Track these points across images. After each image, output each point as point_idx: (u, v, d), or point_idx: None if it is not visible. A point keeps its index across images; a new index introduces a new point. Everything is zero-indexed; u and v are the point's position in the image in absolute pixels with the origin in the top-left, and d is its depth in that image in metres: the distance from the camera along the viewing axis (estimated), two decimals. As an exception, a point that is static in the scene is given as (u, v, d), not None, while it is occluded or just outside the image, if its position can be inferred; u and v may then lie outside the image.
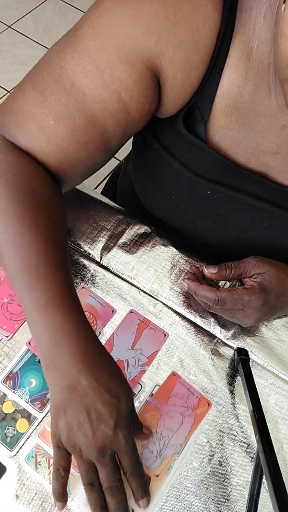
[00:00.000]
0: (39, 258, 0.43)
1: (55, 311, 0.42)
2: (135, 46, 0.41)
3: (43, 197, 0.46)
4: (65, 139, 0.45)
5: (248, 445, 0.51)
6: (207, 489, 0.48)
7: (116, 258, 0.62)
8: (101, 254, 0.62)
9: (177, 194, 0.55)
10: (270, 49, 0.42)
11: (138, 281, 0.60)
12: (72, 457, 0.43)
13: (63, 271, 0.44)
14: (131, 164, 0.65)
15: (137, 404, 0.52)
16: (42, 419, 0.51)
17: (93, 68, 0.42)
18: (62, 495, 0.42)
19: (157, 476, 0.48)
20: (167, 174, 0.54)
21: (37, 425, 0.50)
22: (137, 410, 0.51)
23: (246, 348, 0.56)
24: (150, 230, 0.64)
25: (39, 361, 0.53)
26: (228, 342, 0.57)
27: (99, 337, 0.55)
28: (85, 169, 0.50)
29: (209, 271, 0.53)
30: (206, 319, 0.58)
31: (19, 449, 0.49)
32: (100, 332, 0.56)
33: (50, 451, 0.49)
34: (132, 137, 0.61)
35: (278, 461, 0.44)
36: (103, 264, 0.61)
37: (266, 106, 0.45)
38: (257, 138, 0.48)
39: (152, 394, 0.52)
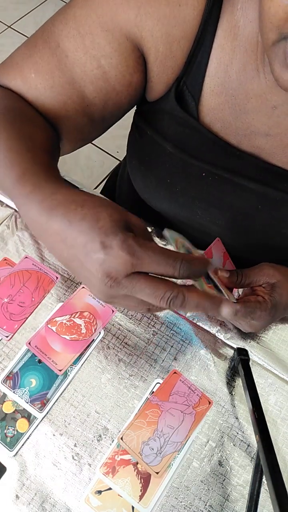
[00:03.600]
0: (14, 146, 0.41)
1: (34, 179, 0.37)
2: (115, 17, 0.44)
3: (26, 112, 0.47)
4: (43, 93, 0.48)
5: (248, 445, 0.51)
6: (207, 489, 0.48)
7: (116, 258, 0.61)
8: (101, 254, 0.61)
9: (172, 177, 0.55)
10: (257, 28, 0.42)
11: (138, 281, 0.60)
12: None
13: (39, 156, 0.41)
14: (127, 155, 0.65)
15: (138, 403, 0.52)
16: (42, 419, 0.51)
17: (76, 33, 0.46)
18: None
19: (157, 473, 0.48)
20: (161, 158, 0.55)
21: (37, 425, 0.50)
22: (138, 408, 0.51)
23: (246, 348, 0.56)
24: (150, 231, 0.64)
25: (39, 361, 0.53)
26: (228, 342, 0.57)
27: (99, 337, 0.55)
28: (66, 130, 0.51)
29: (221, 274, 0.50)
30: (206, 319, 0.58)
31: (19, 449, 0.49)
32: (100, 332, 0.56)
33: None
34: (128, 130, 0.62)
35: (278, 461, 0.44)
36: (103, 264, 0.61)
37: (255, 86, 0.46)
38: (248, 120, 0.48)
39: (153, 392, 0.52)
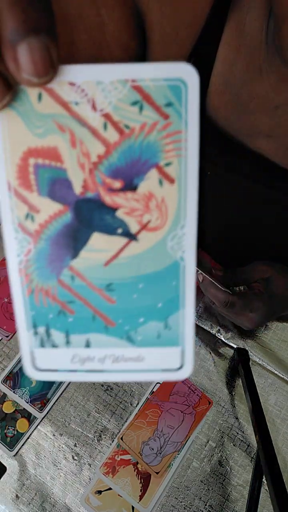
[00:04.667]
0: None
1: None
2: None
3: None
4: None
5: (248, 445, 0.51)
6: (207, 489, 0.48)
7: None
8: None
9: None
10: (261, 26, 0.41)
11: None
12: None
13: None
14: None
15: (138, 403, 0.52)
16: (42, 419, 0.51)
17: None
18: None
19: (157, 473, 0.48)
20: None
21: (37, 425, 0.50)
22: (138, 407, 0.51)
23: (246, 348, 0.56)
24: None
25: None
26: (228, 342, 0.57)
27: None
28: None
29: (215, 272, 0.53)
30: (206, 319, 0.58)
31: (19, 449, 0.49)
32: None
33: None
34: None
35: (278, 461, 0.44)
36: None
37: (257, 86, 0.45)
38: (251, 120, 0.48)
39: (153, 392, 0.52)
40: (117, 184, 0.18)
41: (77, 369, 0.20)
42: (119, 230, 0.18)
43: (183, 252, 0.19)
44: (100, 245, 0.18)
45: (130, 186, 0.18)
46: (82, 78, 0.17)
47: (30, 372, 0.20)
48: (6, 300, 0.57)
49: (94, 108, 0.17)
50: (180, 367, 0.20)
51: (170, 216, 0.19)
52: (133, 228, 0.18)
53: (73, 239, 0.18)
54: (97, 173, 0.18)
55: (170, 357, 0.20)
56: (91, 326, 0.19)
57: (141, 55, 0.47)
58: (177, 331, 0.20)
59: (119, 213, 0.18)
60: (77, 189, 0.18)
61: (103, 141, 0.17)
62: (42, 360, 0.20)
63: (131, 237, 0.18)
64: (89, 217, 0.18)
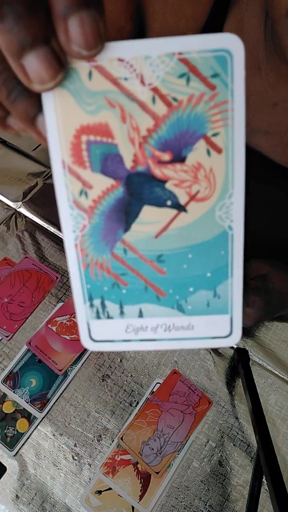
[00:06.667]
0: None
1: None
2: None
3: None
4: None
5: (248, 445, 0.51)
6: (207, 489, 0.48)
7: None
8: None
9: None
10: (259, 24, 0.41)
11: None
12: None
13: None
14: None
15: (138, 403, 0.52)
16: (42, 419, 0.51)
17: None
18: None
19: (157, 473, 0.48)
20: None
21: (37, 425, 0.50)
22: (138, 407, 0.51)
23: (246, 348, 0.56)
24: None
25: (39, 361, 0.53)
26: (228, 342, 0.57)
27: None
28: None
29: None
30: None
31: (19, 449, 0.49)
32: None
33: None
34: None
35: (278, 461, 0.44)
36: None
37: (256, 83, 0.45)
38: (249, 117, 0.48)
39: (153, 392, 0.52)
40: (166, 157, 0.18)
41: (131, 339, 0.21)
42: (169, 202, 0.19)
43: (231, 221, 0.19)
44: (150, 217, 0.19)
45: (178, 158, 0.18)
46: (130, 53, 0.17)
47: (87, 343, 0.20)
48: (6, 300, 0.57)
49: (143, 83, 0.17)
50: (229, 334, 0.20)
51: (218, 185, 0.19)
52: (182, 199, 0.19)
53: (125, 213, 0.19)
54: (147, 147, 0.18)
55: (219, 325, 0.20)
56: (143, 297, 0.20)
57: (131, 37, 0.46)
58: (226, 299, 0.20)
59: (169, 185, 0.18)
60: (128, 163, 0.18)
61: (152, 114, 0.18)
62: (98, 331, 0.20)
63: (181, 208, 0.19)
64: (139, 191, 0.18)
